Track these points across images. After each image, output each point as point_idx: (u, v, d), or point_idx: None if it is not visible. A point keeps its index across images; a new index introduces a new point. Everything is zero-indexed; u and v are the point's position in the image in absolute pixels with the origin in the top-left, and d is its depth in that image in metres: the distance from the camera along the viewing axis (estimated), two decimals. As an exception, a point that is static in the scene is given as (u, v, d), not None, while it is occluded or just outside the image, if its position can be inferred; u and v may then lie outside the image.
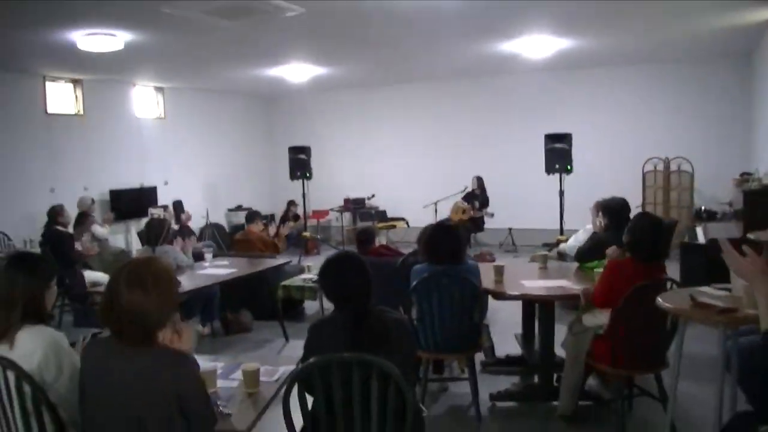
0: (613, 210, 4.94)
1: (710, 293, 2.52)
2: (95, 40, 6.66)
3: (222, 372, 2.86)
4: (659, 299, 2.58)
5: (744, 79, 10.06)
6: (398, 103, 12.74)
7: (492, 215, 10.90)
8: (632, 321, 3.58)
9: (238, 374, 2.78)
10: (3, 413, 2.44)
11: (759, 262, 1.88)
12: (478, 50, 9.01)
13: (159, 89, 11.29)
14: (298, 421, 2.49)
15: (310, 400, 2.49)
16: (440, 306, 4.04)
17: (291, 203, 12.24)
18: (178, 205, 10.60)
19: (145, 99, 11.09)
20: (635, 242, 3.75)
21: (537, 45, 8.62)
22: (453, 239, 4.18)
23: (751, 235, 4.61)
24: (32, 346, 2.42)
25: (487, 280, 4.44)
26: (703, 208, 9.60)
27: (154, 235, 5.28)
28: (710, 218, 9.08)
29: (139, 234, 8.84)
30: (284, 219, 12.24)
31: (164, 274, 2.18)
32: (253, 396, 2.63)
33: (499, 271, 4.65)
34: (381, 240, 9.23)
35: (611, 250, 4.50)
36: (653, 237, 3.75)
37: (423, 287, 4.03)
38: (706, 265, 6.18)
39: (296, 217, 12.15)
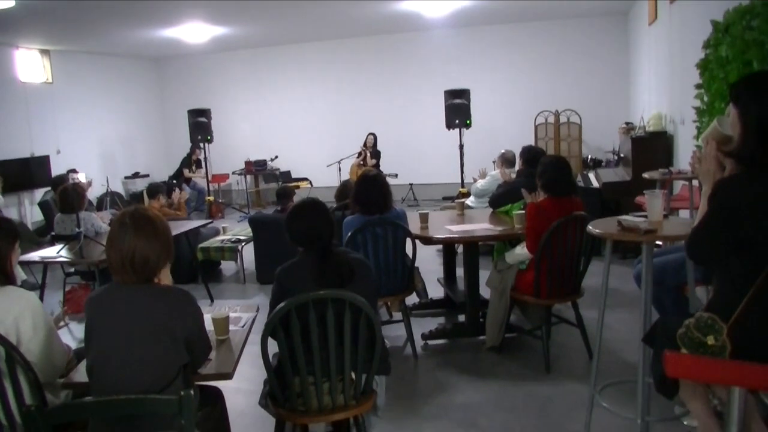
0: (533, 157, 5.26)
1: (632, 220, 2.86)
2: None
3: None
4: (590, 227, 2.89)
5: (622, 36, 10.82)
6: (299, 63, 12.64)
7: (396, 176, 11.08)
8: (553, 255, 3.97)
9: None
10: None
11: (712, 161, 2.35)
12: (378, 9, 9.14)
13: (45, 52, 10.62)
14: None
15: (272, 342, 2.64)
16: (375, 253, 4.24)
17: (193, 149, 11.75)
18: (70, 174, 10.13)
19: (29, 63, 10.41)
20: (548, 181, 4.12)
21: (437, 1, 8.84)
22: (380, 188, 4.38)
23: (645, 175, 5.12)
24: (5, 307, 2.41)
25: (413, 227, 4.67)
26: (589, 156, 10.34)
27: (76, 201, 5.11)
28: (596, 166, 9.80)
29: (41, 204, 8.44)
30: (188, 165, 11.87)
31: (163, 222, 2.28)
32: (225, 342, 2.74)
33: (425, 218, 4.91)
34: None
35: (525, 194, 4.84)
36: (561, 171, 4.14)
37: (358, 238, 4.21)
38: (600, 206, 6.79)
39: (199, 163, 11.82)
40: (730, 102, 2.28)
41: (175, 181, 11.73)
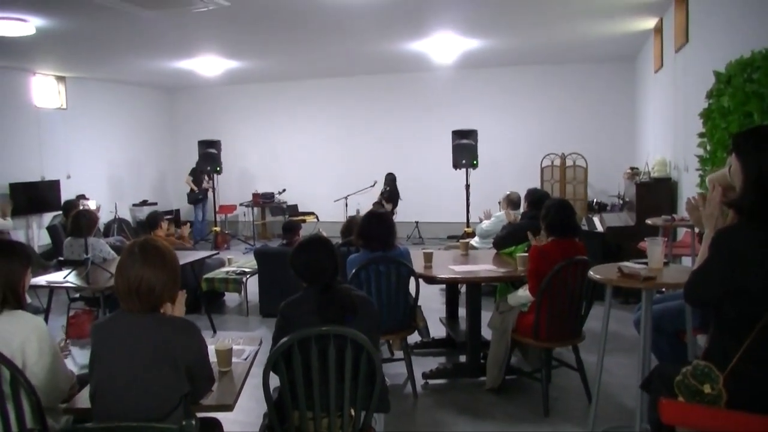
0: (537, 199, 5.33)
1: (631, 266, 2.91)
2: (4, 25, 6.40)
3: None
4: (590, 272, 2.94)
5: (629, 81, 10.96)
6: (309, 98, 12.82)
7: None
8: (554, 298, 3.99)
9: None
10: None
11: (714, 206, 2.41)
12: (388, 49, 9.32)
13: (60, 78, 10.86)
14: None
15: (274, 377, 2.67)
16: (378, 290, 4.28)
17: (201, 167, 11.54)
18: (80, 199, 10.24)
19: (45, 88, 10.63)
20: (551, 223, 4.17)
21: (445, 45, 9.03)
22: (386, 226, 4.45)
23: (648, 221, 5.16)
24: (12, 330, 2.45)
25: (417, 266, 4.72)
26: (594, 200, 10.42)
27: (85, 226, 5.19)
28: (601, 209, 9.87)
29: (49, 228, 8.52)
30: (197, 175, 11.91)
31: (172, 253, 2.34)
32: (227, 374, 2.77)
33: (428, 257, 4.96)
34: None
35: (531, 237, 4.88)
36: (565, 214, 4.19)
37: (362, 274, 4.25)
38: (603, 249, 6.82)
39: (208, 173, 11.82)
40: (732, 153, 2.34)
41: (197, 190, 11.87)
